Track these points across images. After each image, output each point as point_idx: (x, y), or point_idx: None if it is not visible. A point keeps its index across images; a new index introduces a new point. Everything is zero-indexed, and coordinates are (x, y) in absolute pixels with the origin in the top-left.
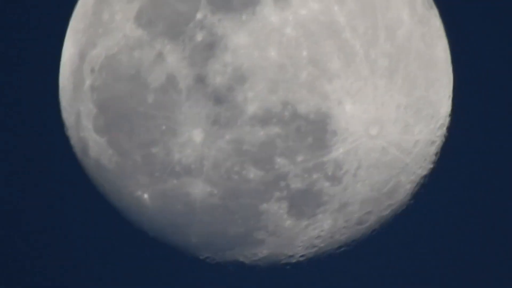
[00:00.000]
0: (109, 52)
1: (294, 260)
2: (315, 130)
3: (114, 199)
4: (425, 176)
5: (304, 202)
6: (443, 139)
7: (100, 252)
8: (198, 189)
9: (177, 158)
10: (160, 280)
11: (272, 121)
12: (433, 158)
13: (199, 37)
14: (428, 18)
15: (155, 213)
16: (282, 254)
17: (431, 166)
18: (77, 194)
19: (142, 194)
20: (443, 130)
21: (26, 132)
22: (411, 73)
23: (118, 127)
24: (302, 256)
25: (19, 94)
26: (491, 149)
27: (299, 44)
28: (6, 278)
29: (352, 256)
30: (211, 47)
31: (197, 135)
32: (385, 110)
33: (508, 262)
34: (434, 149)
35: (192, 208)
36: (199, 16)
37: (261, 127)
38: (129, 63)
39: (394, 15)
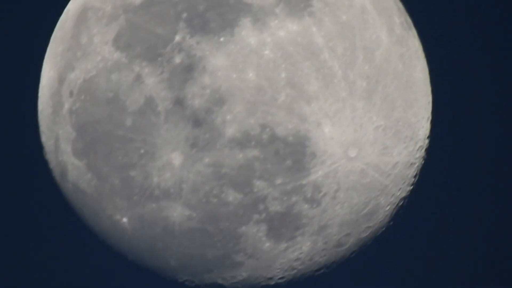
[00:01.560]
0: (88, 75)
1: (273, 283)
2: (294, 153)
3: (93, 222)
4: (404, 198)
5: (283, 225)
6: (422, 161)
7: (79, 276)
8: (177, 212)
9: (156, 182)
10: None
11: (250, 144)
12: (412, 180)
13: (178, 59)
14: (407, 39)
15: (134, 236)
16: (261, 276)
17: (410, 188)
18: (55, 218)
19: (121, 218)
20: (422, 152)
21: (4, 156)
22: (389, 95)
23: (97, 150)
24: (281, 278)
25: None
26: (470, 171)
27: (277, 66)
28: None
29: (331, 278)
30: (189, 69)
31: (176, 158)
32: (364, 131)
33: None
34: (413, 171)
35: (171, 232)
36: (177, 38)
37: (240, 150)
38: (107, 86)
39: (373, 36)
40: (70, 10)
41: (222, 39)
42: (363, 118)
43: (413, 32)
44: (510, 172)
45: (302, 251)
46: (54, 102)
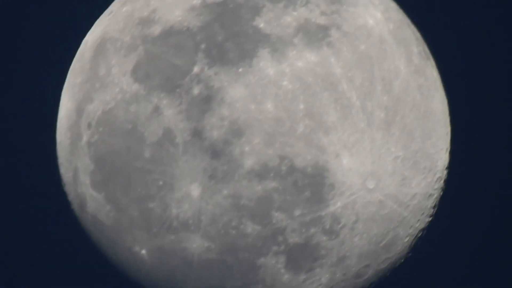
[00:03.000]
0: (106, 106)
1: None
2: (313, 184)
3: (112, 254)
4: (423, 229)
5: (302, 256)
6: (441, 192)
7: None
8: (196, 244)
9: (175, 213)
10: None
11: (269, 175)
12: (431, 211)
13: (196, 90)
14: (425, 69)
15: (152, 268)
16: None
17: (429, 219)
18: (74, 249)
19: (140, 250)
20: (441, 183)
21: (24, 188)
22: (408, 125)
23: (115, 182)
24: None
25: (17, 150)
26: (488, 202)
27: (296, 97)
28: None
29: None
30: (207, 100)
31: (194, 190)
32: (382, 162)
33: None
34: (431, 202)
35: (189, 263)
36: (195, 69)
37: (259, 182)
38: (126, 118)
39: (391, 66)
40: (88, 41)
41: (240, 69)
42: (382, 149)
43: (431, 62)
44: None
45: (320, 282)
46: (72, 134)
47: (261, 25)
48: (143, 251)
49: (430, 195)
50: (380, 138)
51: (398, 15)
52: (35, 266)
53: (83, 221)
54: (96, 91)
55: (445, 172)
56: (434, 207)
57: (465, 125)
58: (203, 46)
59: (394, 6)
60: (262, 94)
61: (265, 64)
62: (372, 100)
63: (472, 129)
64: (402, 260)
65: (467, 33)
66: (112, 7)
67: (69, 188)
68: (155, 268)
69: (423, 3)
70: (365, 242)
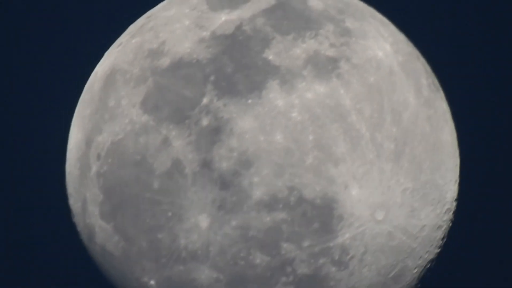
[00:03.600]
0: (115, 138)
1: None
2: (322, 215)
3: (121, 285)
4: (432, 261)
5: (311, 287)
6: (450, 223)
7: None
8: (204, 275)
9: (183, 244)
10: None
11: (278, 206)
12: (440, 242)
13: (205, 121)
14: (434, 101)
15: None
16: None
17: (438, 250)
18: (83, 280)
19: (149, 280)
20: (450, 214)
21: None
22: (417, 157)
23: (124, 213)
24: None
25: (27, 181)
26: (497, 233)
27: (305, 128)
28: None
29: None
30: (217, 131)
31: (203, 221)
32: (391, 194)
33: None
34: (440, 233)
35: None
36: (204, 100)
37: (267, 213)
38: (135, 149)
39: (400, 98)
40: (98, 73)
41: (249, 101)
42: (391, 181)
43: (441, 94)
44: None
45: None
46: (81, 165)
47: (271, 57)
48: (152, 282)
49: (439, 227)
50: (389, 169)
51: (407, 47)
52: None
53: (92, 252)
54: (106, 122)
55: (454, 203)
56: (443, 238)
57: (475, 157)
58: (212, 78)
59: (403, 38)
60: (271, 125)
61: (275, 95)
62: (381, 132)
63: (481, 161)
64: None
65: (476, 66)
66: (121, 39)
67: (78, 219)
68: None
69: (432, 36)
70: (374, 273)
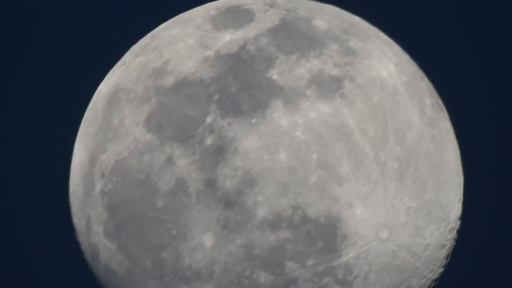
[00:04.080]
0: (119, 156)
1: None
2: (325, 234)
3: None
4: (435, 280)
5: None
6: (454, 242)
7: None
8: None
9: (187, 263)
10: None
11: (282, 225)
12: (444, 261)
13: (209, 140)
14: (438, 120)
15: None
16: None
17: (442, 269)
18: None
19: None
20: (454, 233)
21: (36, 238)
22: (421, 176)
23: (128, 231)
24: None
25: (30, 200)
26: (502, 252)
27: (309, 147)
28: None
29: None
30: (220, 151)
31: (207, 240)
32: (395, 213)
33: None
34: (444, 252)
35: None
36: (208, 120)
37: (271, 231)
38: (139, 168)
39: (404, 117)
40: (101, 92)
41: (253, 120)
42: (395, 200)
43: (445, 114)
44: None
45: None
46: (85, 184)
47: (274, 77)
48: None
49: (443, 246)
50: (393, 188)
51: (411, 67)
52: None
53: (96, 271)
54: (109, 141)
55: (458, 222)
56: (447, 257)
57: (478, 176)
58: (216, 97)
59: (407, 58)
60: (275, 144)
61: (278, 115)
62: (385, 151)
63: (485, 180)
64: None
65: (480, 86)
66: (125, 58)
67: (82, 238)
68: None
69: (436, 56)
70: None
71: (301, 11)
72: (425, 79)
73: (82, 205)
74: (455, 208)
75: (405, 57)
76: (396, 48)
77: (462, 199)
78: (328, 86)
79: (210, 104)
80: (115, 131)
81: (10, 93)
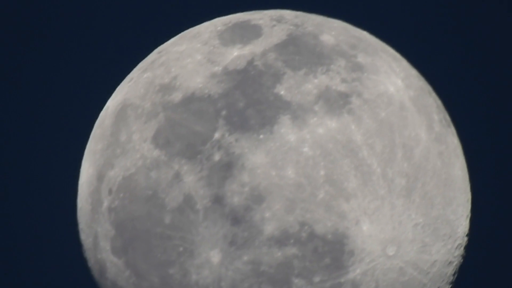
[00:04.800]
0: (127, 172)
1: None
2: (333, 251)
3: None
4: None
5: None
6: (461, 259)
7: None
8: None
9: (195, 279)
10: None
11: (289, 242)
12: (451, 278)
13: (217, 156)
14: (446, 136)
15: None
16: None
17: (449, 286)
18: None
19: None
20: (461, 250)
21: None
22: (428, 192)
23: (135, 248)
24: None
25: (38, 217)
26: (509, 269)
27: (316, 163)
28: None
29: None
30: (228, 167)
31: (215, 256)
32: (403, 229)
33: None
34: (452, 269)
35: None
36: (216, 135)
37: (279, 248)
38: (147, 184)
39: (412, 133)
40: (109, 108)
41: (261, 136)
42: (402, 216)
43: (452, 130)
44: None
45: None
46: (93, 200)
47: (282, 92)
48: None
49: (450, 262)
50: (401, 205)
51: (419, 82)
52: None
53: (103, 287)
54: (117, 157)
55: (466, 239)
56: (454, 274)
57: (486, 192)
58: (224, 113)
59: (415, 73)
60: (282, 160)
61: (286, 131)
62: (392, 167)
63: (492, 196)
64: None
65: (488, 102)
66: (132, 74)
67: (89, 254)
68: None
69: (444, 71)
70: None
71: (309, 26)
72: (433, 94)
73: (89, 221)
74: (462, 225)
75: (412, 72)
76: (403, 63)
77: (469, 216)
78: (336, 102)
79: (218, 120)
80: (122, 147)
81: (17, 110)
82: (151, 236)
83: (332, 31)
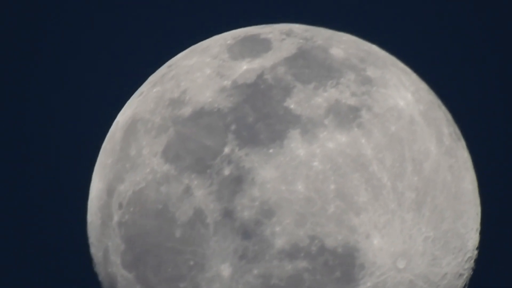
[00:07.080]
0: (137, 187)
1: None
2: (343, 264)
3: None
4: None
5: None
6: (471, 272)
7: None
8: None
9: None
10: None
11: (299, 255)
12: None
13: (227, 171)
14: (456, 150)
15: None
16: None
17: None
18: None
19: None
20: (471, 263)
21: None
22: (438, 206)
23: (146, 262)
24: None
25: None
26: None
27: (327, 178)
28: None
29: None
30: (238, 181)
31: (225, 270)
32: (413, 243)
33: None
34: (462, 282)
35: None
36: (226, 150)
37: (289, 261)
38: (157, 198)
39: (421, 147)
40: (119, 122)
41: (271, 150)
42: (412, 229)
43: (462, 143)
44: None
45: None
46: (103, 214)
47: (292, 106)
48: None
49: (461, 275)
50: (411, 218)
51: (428, 96)
52: None
53: None
54: (127, 171)
55: (476, 252)
56: (464, 287)
57: (496, 206)
58: (233, 127)
59: (424, 87)
60: (293, 174)
61: (296, 145)
62: (402, 181)
63: (502, 210)
64: None
65: (498, 115)
66: (142, 88)
67: (99, 268)
68: None
69: (453, 84)
70: None
71: (318, 40)
72: (443, 107)
73: (99, 235)
74: (472, 238)
75: (422, 86)
76: (413, 76)
77: (479, 229)
78: (346, 116)
79: (228, 134)
80: (132, 162)
81: (29, 125)
82: (161, 250)
83: (342, 45)
